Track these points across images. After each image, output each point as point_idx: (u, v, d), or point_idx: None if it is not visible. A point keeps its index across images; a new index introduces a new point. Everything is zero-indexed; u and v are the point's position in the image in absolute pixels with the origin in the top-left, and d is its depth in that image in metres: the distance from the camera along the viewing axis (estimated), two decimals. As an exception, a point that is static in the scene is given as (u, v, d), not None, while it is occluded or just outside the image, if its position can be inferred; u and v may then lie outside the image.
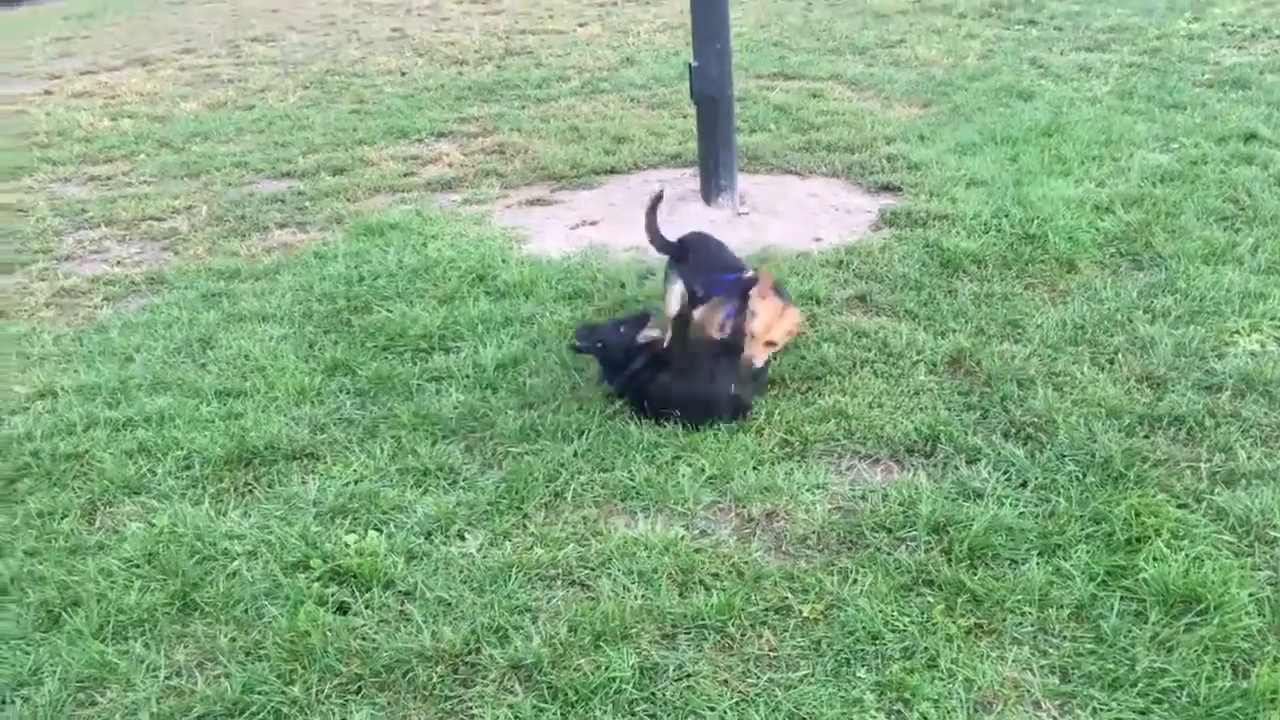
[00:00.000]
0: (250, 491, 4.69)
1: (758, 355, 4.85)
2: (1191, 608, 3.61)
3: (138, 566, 4.18)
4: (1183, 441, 4.57)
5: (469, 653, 3.65)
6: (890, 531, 4.14)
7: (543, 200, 8.30)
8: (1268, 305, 5.60)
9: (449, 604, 3.89)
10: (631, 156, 9.03)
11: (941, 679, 3.43)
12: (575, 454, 4.74)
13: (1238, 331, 5.40)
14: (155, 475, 4.81)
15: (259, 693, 3.52)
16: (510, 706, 3.41)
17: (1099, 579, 3.79)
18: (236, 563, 4.16)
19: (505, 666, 3.58)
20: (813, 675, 3.49)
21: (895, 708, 3.35)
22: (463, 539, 4.27)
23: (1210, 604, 3.59)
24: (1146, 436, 4.61)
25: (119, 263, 7.71)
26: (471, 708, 3.45)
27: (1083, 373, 5.11)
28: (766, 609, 3.78)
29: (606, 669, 3.52)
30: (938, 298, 6.00)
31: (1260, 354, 5.19)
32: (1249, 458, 4.41)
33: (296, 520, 4.41)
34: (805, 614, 3.74)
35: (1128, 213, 6.91)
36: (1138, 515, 4.04)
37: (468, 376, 5.47)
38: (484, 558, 4.13)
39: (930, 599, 3.76)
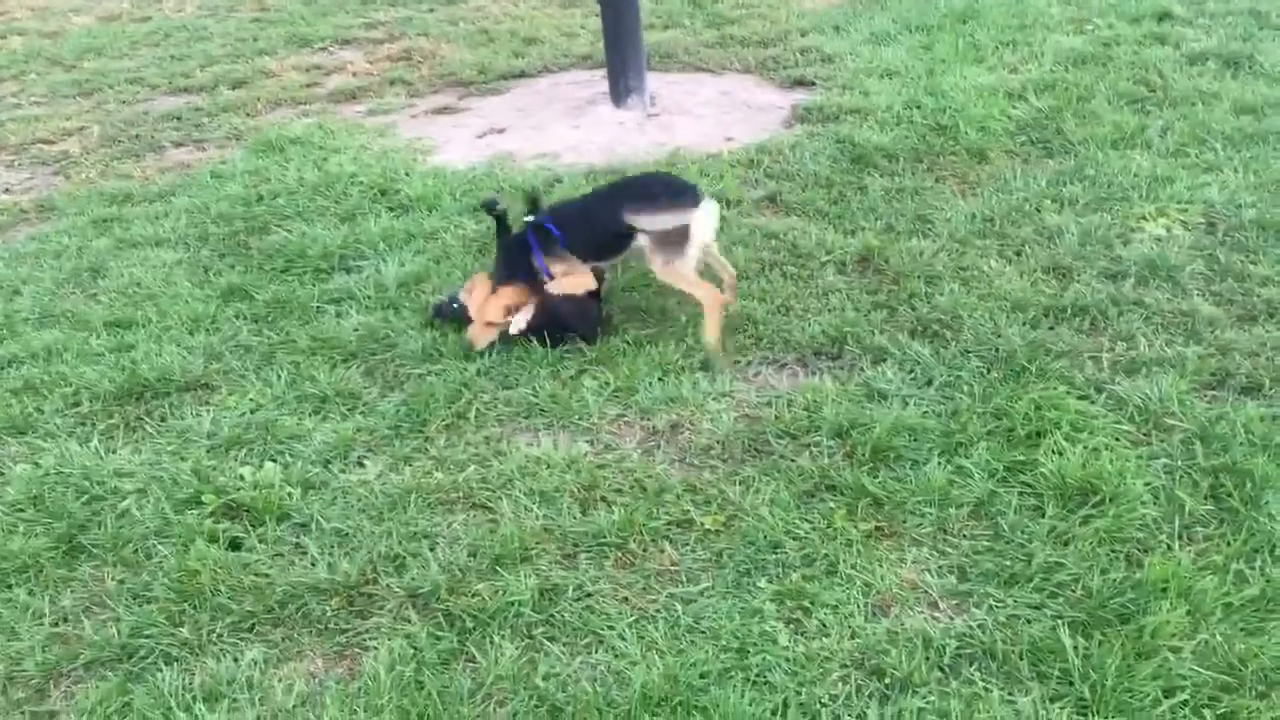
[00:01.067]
0: (141, 426, 4.53)
1: (478, 338, 4.76)
2: (1088, 500, 3.62)
3: (22, 510, 4.03)
4: (1086, 332, 4.56)
5: (365, 584, 3.58)
6: (794, 438, 4.10)
7: (450, 108, 8.05)
8: (1174, 189, 5.58)
9: (345, 534, 3.80)
10: (541, 59, 8.78)
11: (840, 585, 3.41)
12: (478, 373, 4.64)
13: (1144, 217, 5.38)
14: (42, 414, 4.64)
15: (147, 636, 3.43)
16: (406, 636, 3.35)
17: (999, 476, 3.78)
18: (126, 502, 4.03)
19: (402, 596, 3.51)
20: (713, 588, 3.46)
21: (794, 616, 3.33)
22: (362, 466, 4.17)
23: (1106, 495, 3.60)
24: (1051, 328, 4.59)
25: (6, 190, 7.39)
26: (366, 639, 3.38)
27: (990, 266, 5.07)
28: (669, 523, 3.73)
29: (505, 593, 3.46)
30: (848, 195, 5.91)
31: (1165, 239, 5.18)
32: (1150, 345, 4.41)
33: (189, 455, 4.28)
34: (707, 526, 3.70)
35: (1040, 99, 6.83)
36: (1038, 409, 4.03)
37: (369, 297, 5.32)
38: (383, 485, 4.04)
39: (832, 504, 3.74)
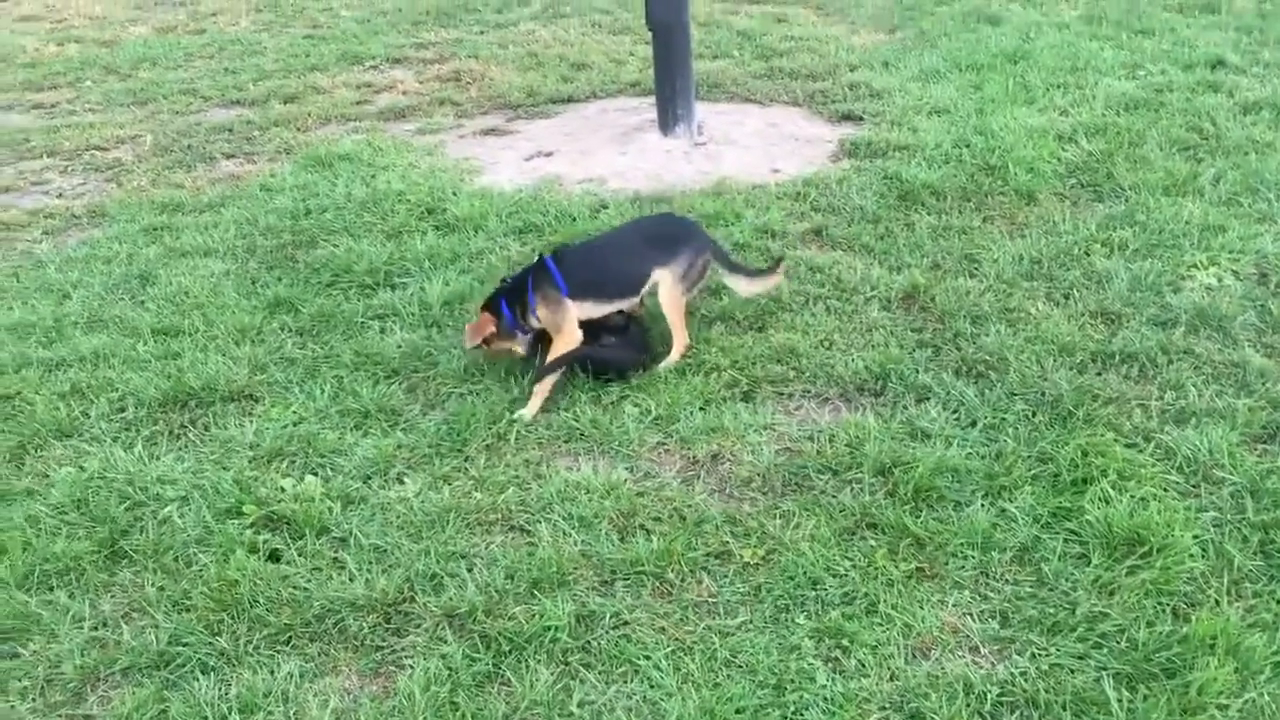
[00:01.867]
0: (185, 434, 4.57)
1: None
2: (1135, 550, 3.56)
3: (66, 513, 4.07)
4: (1134, 379, 4.51)
5: (402, 601, 3.58)
6: (836, 473, 4.07)
7: (498, 130, 8.10)
8: (1226, 238, 5.52)
9: (384, 551, 3.81)
10: (590, 84, 8.83)
11: (880, 624, 3.38)
12: (520, 394, 4.64)
13: (1195, 265, 5.33)
14: (88, 418, 4.68)
15: (185, 644, 3.44)
16: (442, 656, 3.34)
17: (1043, 521, 3.74)
18: (168, 509, 4.05)
19: (439, 615, 3.51)
20: (751, 622, 3.43)
21: (833, 654, 3.29)
22: (402, 483, 4.18)
23: (1154, 546, 3.55)
24: (1098, 374, 4.55)
25: (60, 195, 7.50)
26: (402, 657, 3.38)
27: (1037, 308, 5.04)
28: (707, 554, 3.71)
29: (542, 617, 3.45)
30: (895, 231, 5.89)
31: (1216, 288, 5.13)
32: (1200, 395, 4.35)
33: (231, 464, 4.31)
34: (746, 559, 3.68)
35: (1090, 142, 6.79)
36: (1085, 455, 3.98)
37: (413, 314, 5.34)
38: (422, 502, 4.04)
39: (873, 543, 3.71)
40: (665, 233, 5.02)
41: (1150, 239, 5.59)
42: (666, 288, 4.81)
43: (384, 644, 3.44)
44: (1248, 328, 4.81)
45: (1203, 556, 3.55)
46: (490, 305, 4.79)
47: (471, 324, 4.75)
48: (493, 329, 4.71)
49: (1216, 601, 3.37)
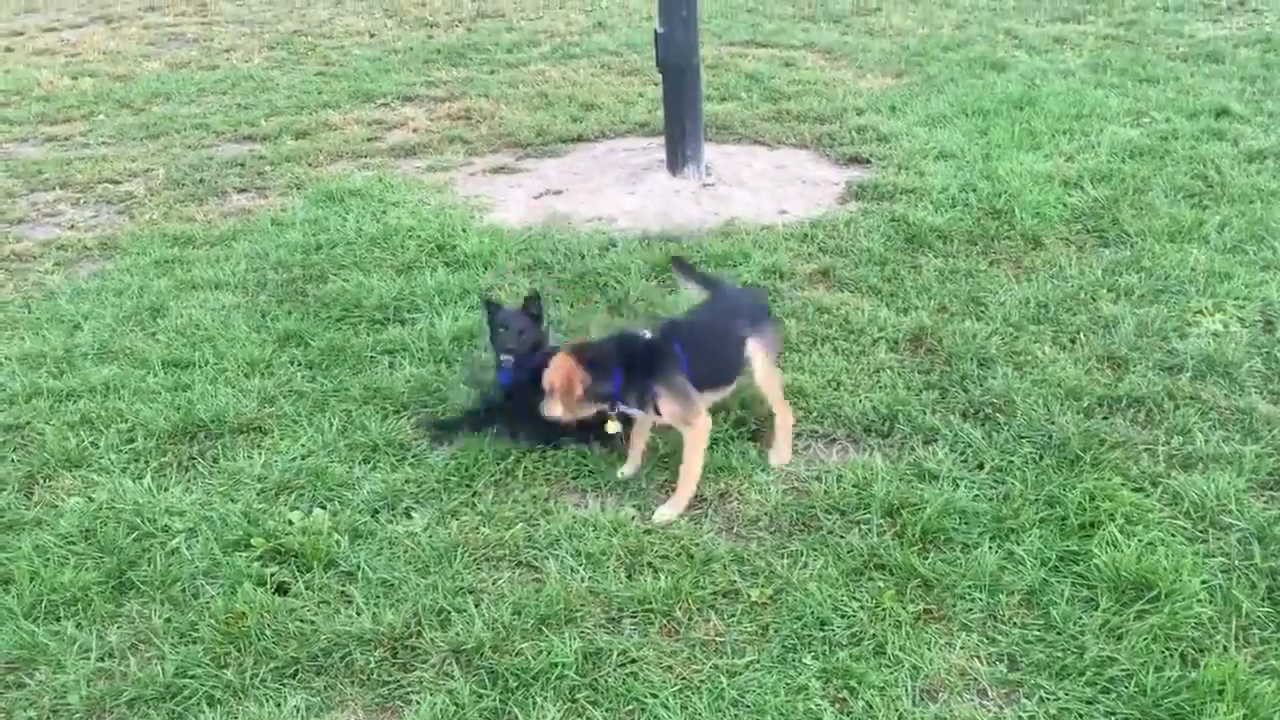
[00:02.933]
0: (194, 466, 4.58)
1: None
2: (1143, 595, 3.56)
3: (74, 543, 4.08)
4: (1141, 423, 4.52)
5: (409, 636, 3.57)
6: (843, 513, 4.08)
7: (507, 168, 8.17)
8: (1232, 284, 5.55)
9: (391, 585, 3.81)
10: (599, 124, 8.90)
11: (888, 666, 3.38)
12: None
13: (1201, 311, 5.35)
14: (97, 448, 4.70)
15: (192, 676, 3.44)
16: (449, 692, 3.34)
17: (1051, 564, 3.74)
18: (175, 540, 4.06)
19: (446, 650, 3.50)
20: (758, 661, 3.43)
21: (840, 695, 3.29)
22: (409, 517, 4.19)
23: (1162, 591, 3.55)
24: (1105, 418, 4.56)
25: (72, 226, 7.55)
26: (409, 693, 3.37)
27: (1044, 352, 5.06)
28: (714, 593, 3.71)
29: (549, 654, 3.45)
30: (902, 273, 5.93)
31: (1223, 334, 5.15)
32: (1207, 441, 4.36)
33: (240, 496, 4.32)
34: (753, 598, 3.68)
35: (1096, 188, 6.84)
36: (1092, 499, 3.99)
37: (422, 349, 5.37)
38: (430, 537, 4.05)
39: (880, 583, 3.70)
40: (742, 304, 4.52)
41: (1156, 285, 5.62)
42: (762, 363, 4.38)
43: (390, 679, 3.43)
44: (1254, 374, 4.82)
45: (1210, 602, 3.55)
46: (588, 359, 4.12)
47: (558, 374, 4.06)
48: (582, 389, 4.10)
49: (1225, 647, 3.37)
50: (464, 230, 6.76)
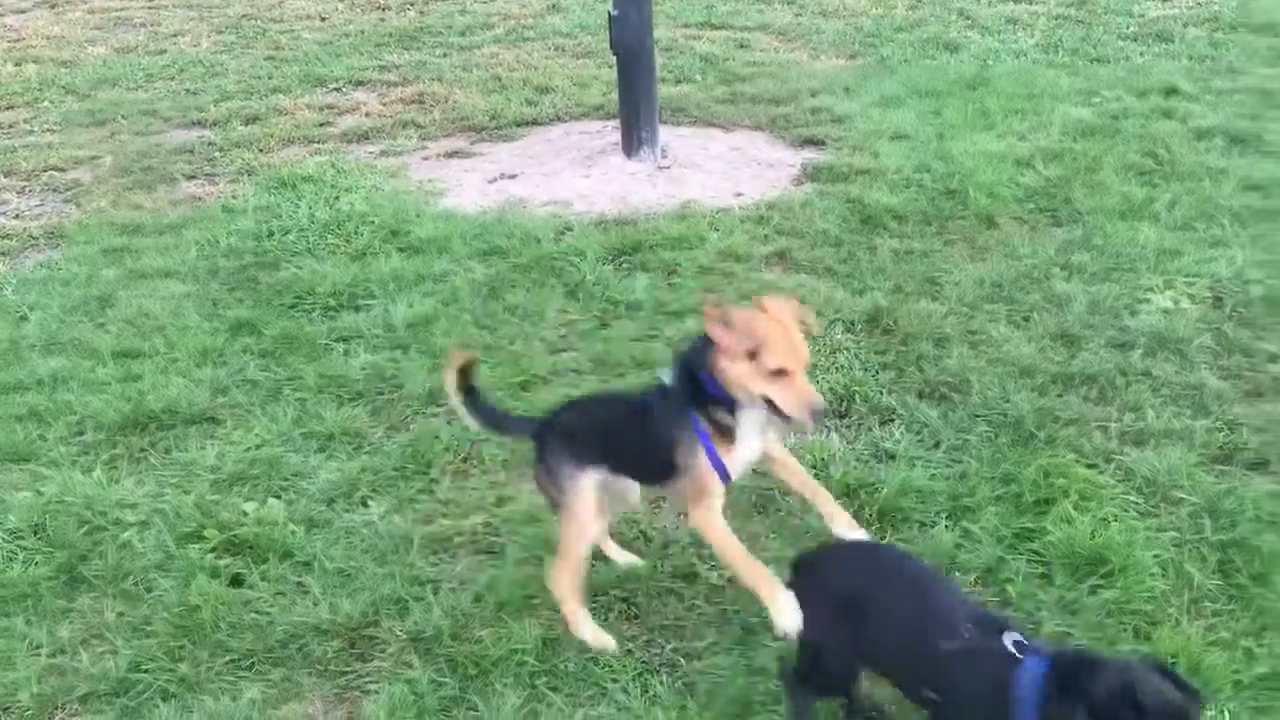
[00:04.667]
0: (145, 458, 4.52)
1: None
2: (1097, 570, 3.60)
3: (22, 538, 4.00)
4: (1094, 400, 4.57)
5: (367, 625, 3.55)
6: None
7: (461, 152, 8.10)
8: (1182, 262, 5.61)
9: (348, 575, 3.78)
10: (554, 107, 8.84)
11: (847, 646, 3.39)
12: (485, 417, 4.62)
13: (1151, 288, 5.41)
14: (45, 441, 4.62)
15: (145, 670, 3.40)
16: (407, 681, 3.32)
17: (1007, 542, 3.77)
18: (128, 533, 4.00)
19: (404, 639, 3.48)
20: (718, 644, 3.43)
21: (800, 676, 3.30)
22: (366, 506, 4.15)
23: (1115, 566, 3.59)
24: (1059, 396, 4.60)
25: (18, 216, 7.40)
26: (368, 683, 3.35)
27: (998, 331, 5.09)
28: (674, 576, 3.72)
29: (508, 640, 3.43)
30: (858, 254, 5.94)
31: (1173, 311, 5.21)
32: (1158, 417, 4.41)
33: (193, 488, 4.26)
34: (713, 581, 3.68)
35: (1048, 168, 6.89)
36: (1047, 476, 4.02)
37: (377, 336, 5.32)
38: (387, 525, 4.02)
39: (839, 564, 3.71)
40: None
41: (1108, 263, 5.68)
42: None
43: (348, 669, 3.41)
44: (1204, 350, 4.88)
45: (1163, 576, 3.59)
46: None
47: None
48: None
49: (1177, 620, 3.42)
50: (418, 216, 6.70)
